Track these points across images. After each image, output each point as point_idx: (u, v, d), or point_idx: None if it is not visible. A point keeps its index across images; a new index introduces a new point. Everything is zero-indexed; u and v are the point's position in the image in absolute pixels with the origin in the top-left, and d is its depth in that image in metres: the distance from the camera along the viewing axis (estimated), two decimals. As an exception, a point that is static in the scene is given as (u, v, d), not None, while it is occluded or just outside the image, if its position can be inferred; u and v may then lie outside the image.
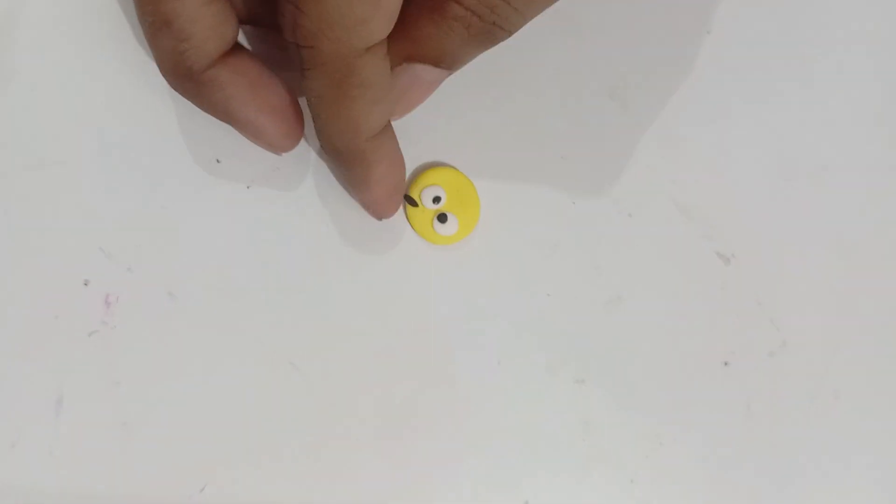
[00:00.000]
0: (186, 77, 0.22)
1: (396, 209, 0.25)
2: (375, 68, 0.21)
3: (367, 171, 0.23)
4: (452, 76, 0.24)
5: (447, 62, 0.23)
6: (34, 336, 0.25)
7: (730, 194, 0.27)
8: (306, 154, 0.26)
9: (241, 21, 0.23)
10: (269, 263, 0.25)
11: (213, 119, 0.25)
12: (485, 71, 0.26)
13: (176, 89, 0.23)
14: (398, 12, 0.20)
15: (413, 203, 0.26)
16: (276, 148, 0.24)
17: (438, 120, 0.26)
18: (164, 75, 0.23)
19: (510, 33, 0.22)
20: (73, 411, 0.24)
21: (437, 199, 0.26)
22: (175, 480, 0.25)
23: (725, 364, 0.27)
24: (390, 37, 0.21)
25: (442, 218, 0.26)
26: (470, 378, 0.26)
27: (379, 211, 0.25)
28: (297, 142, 0.24)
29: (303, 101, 0.23)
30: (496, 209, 0.26)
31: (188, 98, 0.23)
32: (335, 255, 0.26)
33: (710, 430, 0.26)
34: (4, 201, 0.25)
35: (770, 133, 0.27)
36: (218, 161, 0.26)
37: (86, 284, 0.25)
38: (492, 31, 0.22)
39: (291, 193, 0.26)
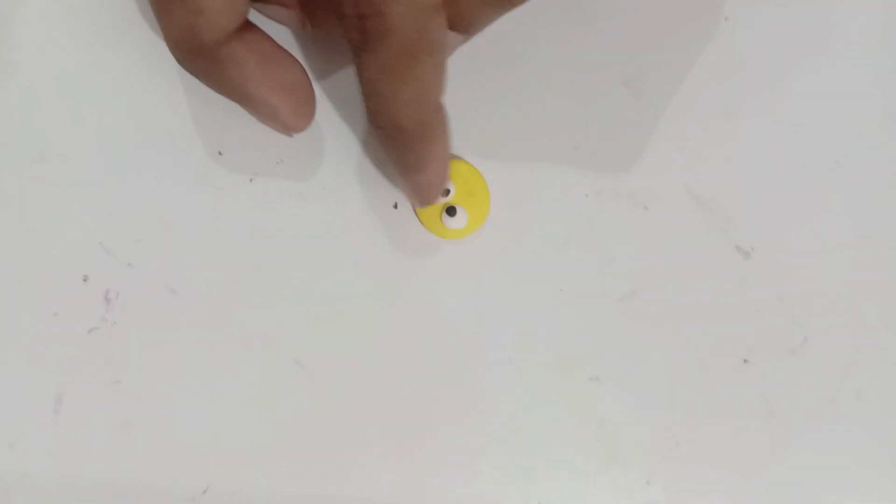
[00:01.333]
0: (198, 52, 0.21)
1: (440, 194, 0.24)
2: (441, 28, 0.20)
3: (430, 147, 0.22)
4: (464, 68, 0.23)
5: (463, 25, 0.22)
6: (33, 333, 0.24)
7: (749, 187, 0.26)
8: (310, 146, 0.25)
9: None
10: (273, 258, 0.25)
11: (216, 111, 0.25)
12: (496, 60, 0.26)
13: (186, 66, 0.22)
14: None
15: None
16: (288, 128, 0.23)
17: (448, 110, 0.25)
18: (173, 51, 0.21)
19: None
20: (72, 410, 0.24)
21: (445, 192, 0.25)
22: (177, 481, 0.24)
23: (745, 361, 0.26)
24: None
25: (451, 211, 0.25)
26: (481, 376, 0.25)
27: (427, 194, 0.23)
28: (309, 122, 0.23)
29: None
30: (507, 202, 0.26)
31: (198, 76, 0.22)
32: (341, 250, 0.25)
33: (729, 430, 0.25)
34: (4, 195, 0.24)
35: (789, 124, 0.27)
36: (220, 153, 0.25)
37: (85, 280, 0.24)
38: None
39: (295, 186, 0.25)
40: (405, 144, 0.22)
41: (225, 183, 0.25)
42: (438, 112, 0.22)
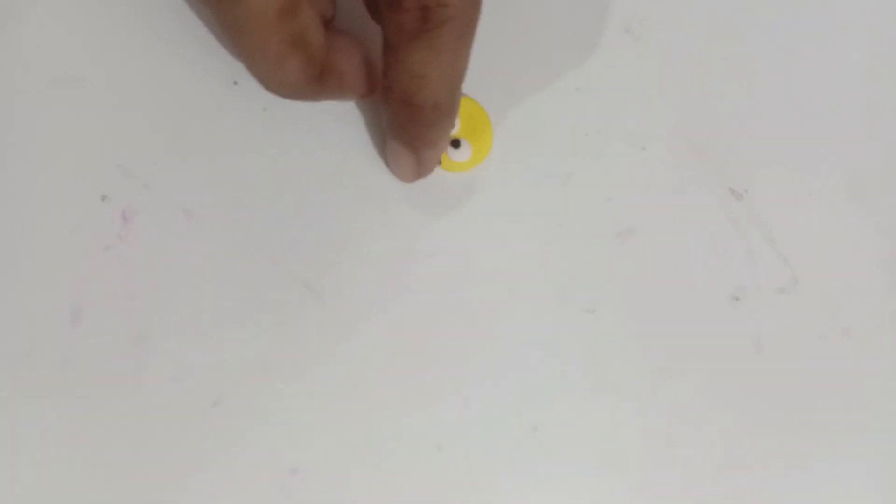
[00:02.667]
0: (314, 80, 0.22)
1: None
2: (479, 14, 0.22)
3: (449, 124, 0.24)
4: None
5: None
6: (51, 248, 0.25)
7: (744, 130, 0.27)
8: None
9: None
10: (285, 185, 0.26)
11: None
12: (501, 1, 0.27)
13: (294, 97, 0.23)
14: None
15: None
16: (360, 97, 0.24)
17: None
18: (283, 91, 0.22)
19: None
20: (88, 323, 0.25)
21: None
22: (188, 394, 0.25)
23: (735, 299, 0.27)
24: None
25: (455, 144, 0.26)
26: (480, 304, 0.26)
27: (430, 167, 0.25)
28: (376, 89, 0.24)
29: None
30: (509, 139, 0.27)
31: (305, 99, 0.23)
32: (350, 179, 0.26)
33: (719, 365, 0.26)
34: (25, 116, 0.25)
35: (785, 69, 0.27)
36: (236, 83, 0.26)
37: (103, 199, 0.25)
38: None
39: (307, 116, 0.26)
40: (434, 122, 0.23)
41: (240, 111, 0.26)
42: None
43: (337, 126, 0.26)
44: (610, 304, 0.26)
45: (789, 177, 0.27)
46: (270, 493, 0.25)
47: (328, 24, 0.23)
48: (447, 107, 0.23)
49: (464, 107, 0.26)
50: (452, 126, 0.24)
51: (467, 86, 0.26)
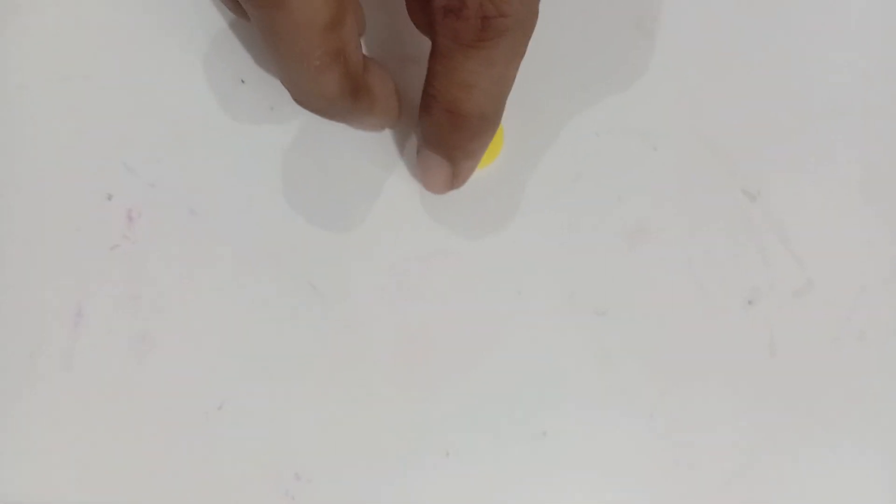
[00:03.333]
0: (349, 96, 0.21)
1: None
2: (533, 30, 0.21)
3: (491, 135, 0.23)
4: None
5: None
6: (56, 247, 0.25)
7: (758, 130, 0.27)
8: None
9: None
10: (291, 184, 0.25)
11: (239, 40, 0.26)
12: None
13: (322, 112, 0.22)
14: None
15: None
16: (382, 128, 0.24)
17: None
18: (315, 105, 0.21)
19: None
20: (91, 323, 0.25)
21: (460, 125, 0.26)
22: (192, 396, 0.24)
23: (749, 302, 0.26)
24: None
25: (464, 143, 0.25)
26: (489, 306, 0.26)
27: (465, 178, 0.25)
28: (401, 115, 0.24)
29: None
30: (519, 139, 0.26)
31: (333, 117, 0.22)
32: (356, 178, 0.26)
33: (732, 369, 0.26)
34: (31, 113, 0.25)
35: (798, 67, 0.27)
36: (243, 81, 0.26)
37: (109, 199, 0.25)
38: None
39: (313, 117, 0.25)
40: (477, 132, 0.23)
41: (246, 110, 0.26)
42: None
43: (343, 126, 0.26)
44: (621, 307, 0.26)
45: (803, 177, 0.27)
46: (274, 499, 0.24)
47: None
48: (493, 118, 0.23)
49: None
50: (492, 139, 0.24)
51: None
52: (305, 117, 0.26)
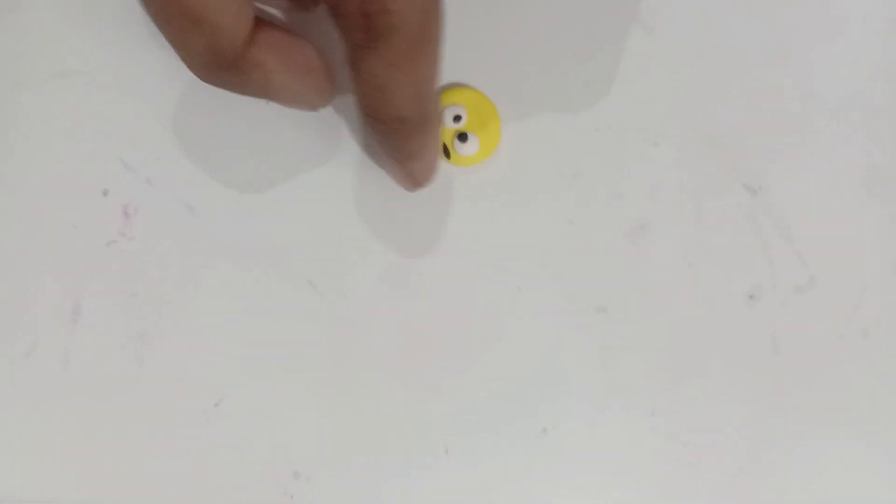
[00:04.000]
0: (224, 68, 0.21)
1: (432, 176, 0.25)
2: (441, 20, 0.20)
3: (428, 135, 0.23)
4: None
5: None
6: (52, 244, 0.25)
7: (759, 125, 0.26)
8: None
9: None
10: (289, 181, 0.25)
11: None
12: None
13: (210, 82, 0.22)
14: None
15: None
16: (314, 107, 0.24)
17: (462, 42, 0.26)
18: (196, 72, 0.21)
19: None
20: (89, 321, 0.24)
21: (457, 118, 0.25)
22: (190, 394, 0.24)
23: (751, 297, 0.26)
24: None
25: (462, 137, 0.25)
26: (488, 303, 0.25)
27: (422, 178, 0.24)
28: (331, 97, 0.24)
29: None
30: (518, 134, 0.26)
31: (224, 87, 0.22)
32: (354, 173, 0.26)
33: (734, 365, 0.26)
34: (26, 109, 0.25)
35: (799, 62, 0.27)
36: (240, 77, 0.26)
37: (105, 195, 0.25)
38: None
39: (311, 112, 0.26)
40: (406, 135, 0.22)
41: (244, 105, 0.25)
42: (436, 101, 0.22)
43: (342, 121, 0.26)
44: (622, 304, 0.26)
45: (805, 173, 0.26)
46: (273, 498, 0.24)
47: (253, 15, 0.21)
48: (417, 119, 0.22)
49: (470, 99, 0.26)
50: (434, 137, 0.23)
51: (475, 79, 0.26)
52: (304, 113, 0.26)
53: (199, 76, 0.21)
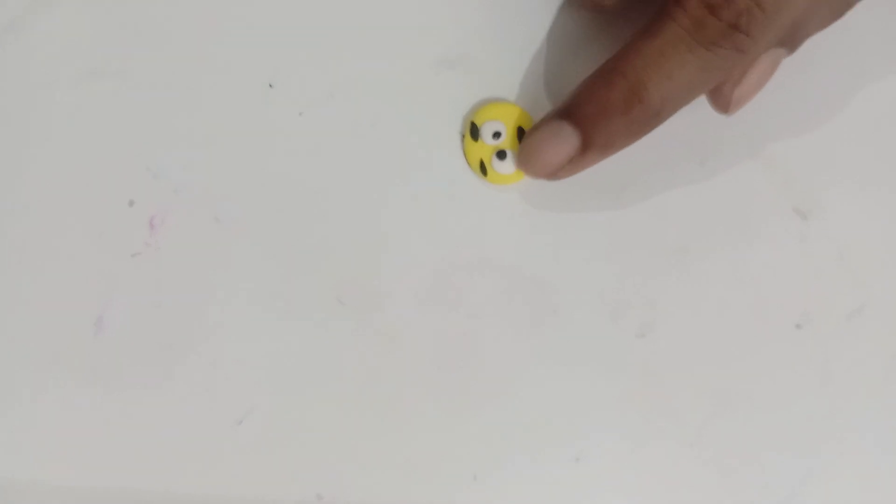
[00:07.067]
0: None
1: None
2: None
3: (640, 134, 0.23)
4: (522, 16, 0.24)
5: (792, 44, 0.23)
6: (77, 254, 0.24)
7: (811, 145, 0.25)
8: (360, 80, 0.25)
9: None
10: (318, 193, 0.25)
11: (268, 42, 0.25)
12: (555, 8, 0.25)
13: None
14: None
15: (475, 133, 0.24)
16: None
17: (505, 57, 0.25)
18: None
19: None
20: (113, 331, 0.24)
21: (497, 135, 0.24)
22: (213, 410, 0.24)
23: (797, 327, 0.25)
24: None
25: (501, 155, 0.24)
26: (524, 324, 0.24)
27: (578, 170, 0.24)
28: None
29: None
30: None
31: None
32: (386, 188, 0.25)
33: (781, 395, 0.25)
34: (53, 115, 0.25)
35: (856, 82, 0.26)
36: (271, 86, 0.25)
37: (131, 205, 0.24)
38: None
39: (344, 121, 0.25)
40: (640, 125, 0.23)
41: (274, 115, 0.25)
42: None
43: (375, 132, 0.25)
44: (664, 328, 0.25)
45: (857, 195, 0.25)
46: (296, 519, 0.24)
47: None
48: (661, 118, 0.23)
49: (512, 116, 0.25)
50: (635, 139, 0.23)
51: (516, 94, 0.25)
52: (335, 123, 0.25)
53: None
